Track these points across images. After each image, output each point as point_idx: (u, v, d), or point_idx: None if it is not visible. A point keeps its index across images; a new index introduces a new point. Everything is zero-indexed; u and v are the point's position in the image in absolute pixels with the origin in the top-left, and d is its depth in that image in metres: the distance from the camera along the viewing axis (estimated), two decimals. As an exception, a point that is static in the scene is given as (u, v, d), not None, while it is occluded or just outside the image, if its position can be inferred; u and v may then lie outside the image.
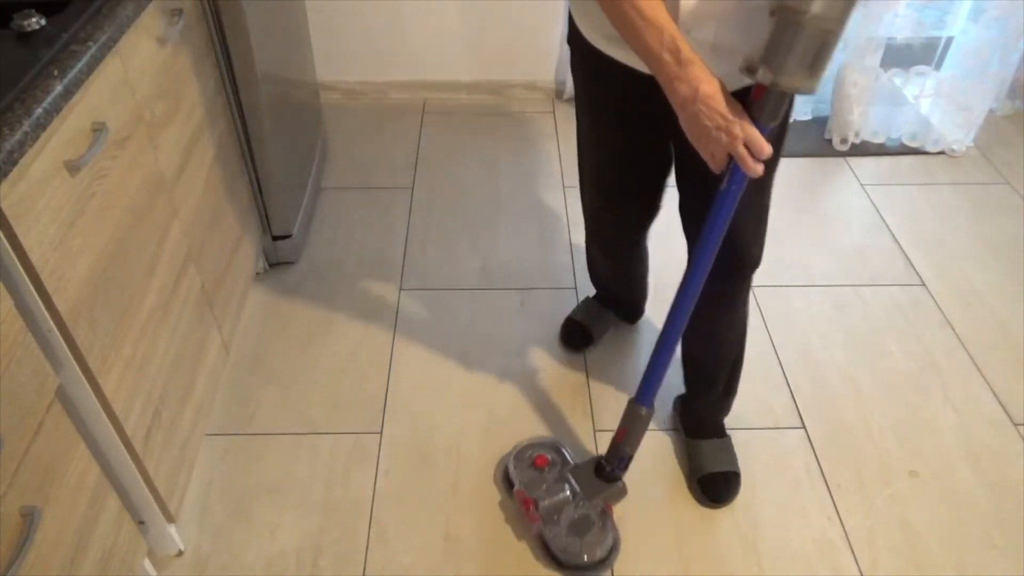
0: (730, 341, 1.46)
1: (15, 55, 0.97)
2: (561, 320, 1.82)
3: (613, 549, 1.35)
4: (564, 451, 1.48)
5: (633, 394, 1.32)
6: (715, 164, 1.07)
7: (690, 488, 1.51)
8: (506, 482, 1.47)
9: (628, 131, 1.31)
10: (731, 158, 1.03)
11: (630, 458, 1.37)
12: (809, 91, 0.99)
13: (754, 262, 1.33)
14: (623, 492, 1.39)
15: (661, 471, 1.52)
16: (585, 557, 1.32)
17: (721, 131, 1.01)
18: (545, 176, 2.32)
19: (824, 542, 1.41)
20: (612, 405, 1.64)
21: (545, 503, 1.35)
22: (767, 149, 1.02)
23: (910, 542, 1.42)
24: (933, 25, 2.37)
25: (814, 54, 0.95)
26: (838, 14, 0.93)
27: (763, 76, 0.98)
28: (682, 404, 1.62)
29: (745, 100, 1.02)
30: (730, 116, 0.99)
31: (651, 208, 1.47)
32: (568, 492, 1.37)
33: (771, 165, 1.20)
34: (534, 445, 1.49)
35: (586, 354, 1.76)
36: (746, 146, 1.01)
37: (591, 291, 1.83)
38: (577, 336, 1.78)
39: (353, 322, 1.83)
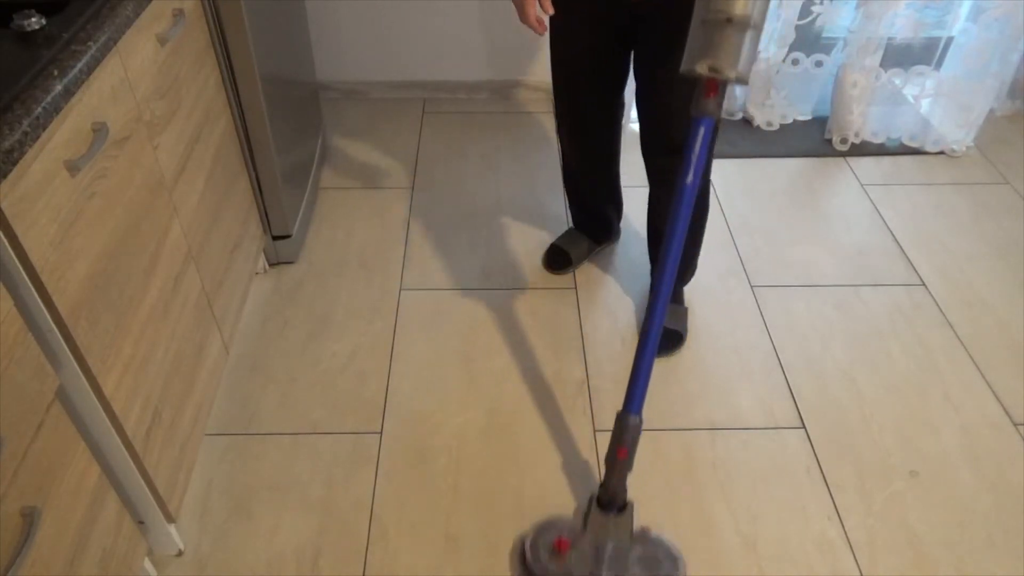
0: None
1: (15, 55, 0.97)
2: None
3: (679, 558, 1.33)
4: (561, 522, 1.40)
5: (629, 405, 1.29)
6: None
7: None
8: None
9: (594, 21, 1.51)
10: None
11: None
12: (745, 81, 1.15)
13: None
14: (632, 510, 1.34)
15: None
16: None
17: None
18: (545, 176, 2.32)
19: (824, 542, 1.41)
20: (612, 405, 1.64)
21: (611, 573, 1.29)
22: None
23: (910, 542, 1.42)
24: (933, 25, 2.37)
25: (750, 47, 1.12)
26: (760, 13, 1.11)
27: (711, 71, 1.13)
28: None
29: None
30: None
31: (618, 80, 1.65)
32: (610, 548, 1.31)
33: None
34: (536, 538, 1.36)
35: (586, 353, 1.76)
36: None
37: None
38: (557, 260, 1.97)
39: (353, 322, 1.83)
